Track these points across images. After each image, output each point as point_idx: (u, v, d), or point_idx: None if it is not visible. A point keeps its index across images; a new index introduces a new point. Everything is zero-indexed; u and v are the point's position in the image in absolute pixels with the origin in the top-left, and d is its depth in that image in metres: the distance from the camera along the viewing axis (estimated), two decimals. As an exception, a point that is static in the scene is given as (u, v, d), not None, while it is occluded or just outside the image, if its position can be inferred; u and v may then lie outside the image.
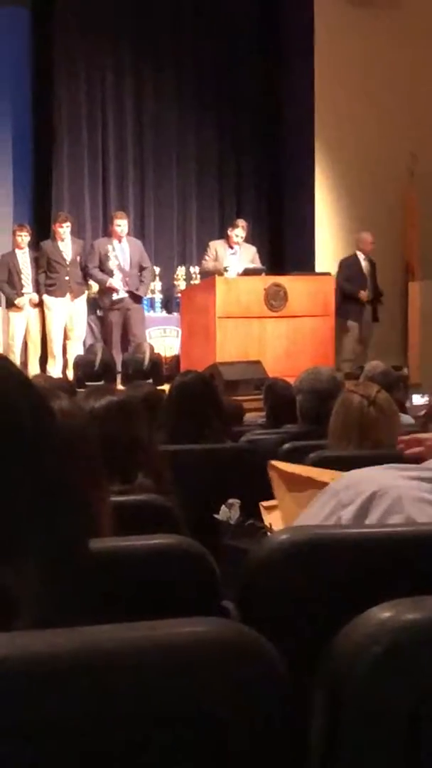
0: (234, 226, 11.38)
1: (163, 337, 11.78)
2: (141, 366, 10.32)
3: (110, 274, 11.09)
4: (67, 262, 11.09)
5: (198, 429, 4.06)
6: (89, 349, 10.73)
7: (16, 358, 10.27)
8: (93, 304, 11.52)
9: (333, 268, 11.72)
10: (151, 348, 10.78)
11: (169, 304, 12.22)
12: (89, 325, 11.43)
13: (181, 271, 12.39)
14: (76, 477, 0.90)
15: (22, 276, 11.08)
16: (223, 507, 3.26)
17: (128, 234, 11.44)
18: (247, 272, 10.94)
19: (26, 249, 11.17)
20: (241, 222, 11.46)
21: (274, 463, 2.96)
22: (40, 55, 12.18)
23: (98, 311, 11.53)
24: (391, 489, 1.97)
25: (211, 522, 3.21)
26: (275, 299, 10.60)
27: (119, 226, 11.26)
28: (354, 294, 11.67)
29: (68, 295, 11.09)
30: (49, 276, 11.09)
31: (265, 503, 3.19)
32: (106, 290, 11.17)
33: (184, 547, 1.68)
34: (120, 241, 11.26)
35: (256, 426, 5.83)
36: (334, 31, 12.05)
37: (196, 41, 12.74)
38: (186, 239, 12.83)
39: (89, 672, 0.76)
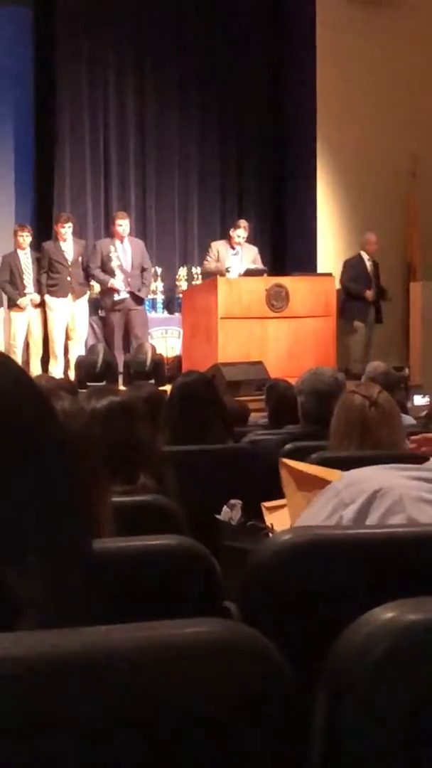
0: (236, 226, 11.39)
1: (164, 338, 11.78)
2: (143, 367, 10.32)
3: (112, 274, 11.09)
4: (69, 263, 11.08)
5: (200, 430, 4.05)
6: (91, 350, 10.73)
7: (17, 359, 10.26)
8: (95, 305, 11.52)
9: (335, 269, 11.72)
10: (153, 348, 10.78)
11: (170, 305, 12.22)
12: (91, 325, 11.42)
13: (182, 271, 12.38)
14: (78, 477, 0.90)
15: (24, 276, 11.08)
16: (224, 507, 3.26)
17: (130, 234, 11.44)
18: (248, 273, 10.94)
19: (28, 249, 11.17)
20: (242, 222, 11.46)
21: (285, 460, 2.96)
22: (42, 55, 12.17)
23: (100, 312, 11.53)
24: (392, 489, 1.98)
25: (213, 522, 3.21)
26: (277, 300, 10.60)
27: (120, 225, 11.25)
28: (360, 294, 11.68)
29: (70, 296, 11.09)
30: (51, 276, 11.08)
31: (266, 504, 3.19)
32: (107, 291, 11.17)
33: (185, 548, 1.68)
34: (122, 242, 11.26)
35: (257, 426, 5.83)
36: (337, 31, 12.05)
37: (199, 42, 12.74)
38: (188, 240, 12.82)
39: (91, 672, 0.76)
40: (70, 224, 11.16)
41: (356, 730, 0.90)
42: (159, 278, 12.02)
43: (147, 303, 11.65)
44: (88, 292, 11.37)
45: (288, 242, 12.93)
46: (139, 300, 11.29)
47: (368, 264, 11.87)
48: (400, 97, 12.19)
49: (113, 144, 12.45)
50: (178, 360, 11.28)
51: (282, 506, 3.09)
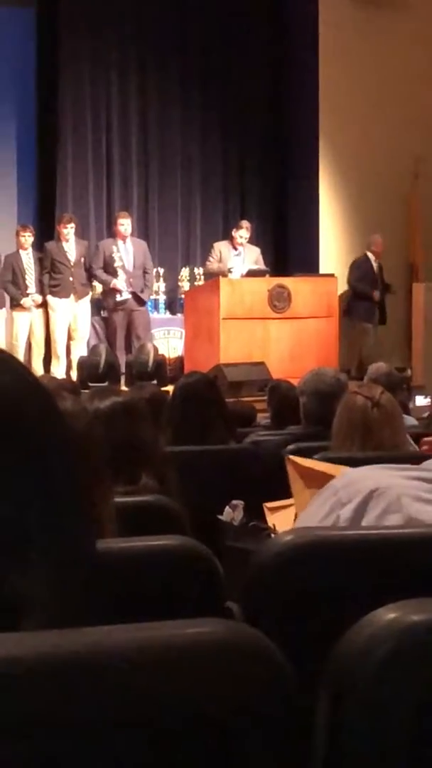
0: (238, 227, 11.39)
1: (166, 339, 11.78)
2: (145, 367, 10.32)
3: (114, 275, 11.10)
4: (71, 263, 11.08)
5: (202, 430, 4.06)
6: (93, 350, 10.73)
7: (19, 359, 10.24)
8: (97, 305, 11.52)
9: (337, 270, 11.73)
10: (155, 349, 10.78)
11: (173, 306, 12.21)
12: (93, 326, 11.42)
13: (185, 272, 12.38)
14: (81, 477, 0.90)
15: (26, 276, 11.08)
16: (226, 508, 3.26)
17: (132, 235, 11.44)
18: (251, 273, 10.94)
19: (30, 249, 11.17)
20: (245, 223, 11.47)
21: (292, 457, 2.96)
22: (45, 55, 12.17)
23: (102, 312, 11.53)
24: (390, 488, 1.98)
25: (215, 523, 3.21)
26: (279, 300, 10.60)
27: (122, 225, 11.26)
28: (367, 294, 11.70)
29: (72, 296, 11.09)
30: (53, 277, 11.09)
31: (268, 504, 3.20)
32: (110, 291, 11.17)
33: (188, 548, 1.68)
34: (124, 241, 11.27)
35: (259, 427, 5.83)
36: (340, 31, 12.04)
37: (201, 42, 12.73)
38: (190, 240, 12.82)
39: (93, 672, 0.76)
40: (72, 224, 11.16)
41: (359, 730, 0.90)
42: (161, 279, 12.01)
43: (149, 304, 11.65)
44: (91, 293, 11.37)
45: (290, 243, 12.93)
46: (141, 301, 11.29)
47: (374, 265, 11.89)
48: (402, 97, 12.19)
49: (115, 144, 12.45)
50: (180, 361, 11.28)
51: (284, 507, 3.10)
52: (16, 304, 11.11)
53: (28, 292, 11.07)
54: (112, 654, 0.77)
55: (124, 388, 8.44)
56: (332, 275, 11.43)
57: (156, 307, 11.97)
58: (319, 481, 2.62)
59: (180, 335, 11.64)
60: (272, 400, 6.01)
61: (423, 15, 12.36)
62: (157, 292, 11.94)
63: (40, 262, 11.11)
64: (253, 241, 11.54)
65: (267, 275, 11.04)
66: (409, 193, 12.53)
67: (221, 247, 11.32)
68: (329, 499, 2.06)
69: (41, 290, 11.10)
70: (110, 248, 11.18)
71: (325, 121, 12.19)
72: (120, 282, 11.08)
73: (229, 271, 10.99)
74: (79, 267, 11.13)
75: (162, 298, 12.06)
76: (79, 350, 11.08)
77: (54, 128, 12.12)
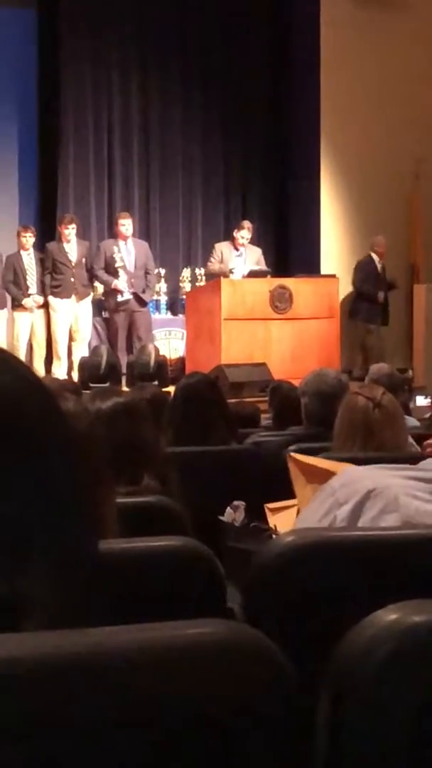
0: (239, 227, 11.39)
1: (168, 339, 11.78)
2: (147, 368, 10.32)
3: (115, 275, 11.10)
4: (73, 264, 11.09)
5: (203, 431, 4.06)
6: (94, 351, 10.73)
7: (20, 358, 10.25)
8: (98, 306, 11.52)
9: (338, 270, 11.73)
10: (157, 350, 10.78)
11: (174, 306, 12.22)
12: (94, 326, 11.42)
13: (186, 272, 12.38)
14: (83, 477, 0.90)
15: (27, 277, 11.09)
16: (228, 509, 3.26)
17: (133, 235, 11.44)
18: (252, 274, 10.94)
19: (31, 250, 11.18)
20: (246, 224, 11.47)
21: (294, 454, 2.96)
22: (46, 56, 12.17)
23: (103, 313, 11.53)
24: (387, 488, 1.98)
25: (216, 524, 3.21)
26: (280, 301, 10.60)
27: (123, 225, 11.26)
28: (373, 295, 11.71)
29: (73, 297, 11.10)
30: (55, 277, 11.09)
31: (270, 505, 3.20)
32: (111, 292, 11.18)
33: (189, 549, 1.68)
34: (125, 242, 11.27)
35: (261, 428, 5.83)
36: (341, 32, 12.05)
37: (202, 42, 12.74)
38: (191, 241, 12.82)
39: (94, 673, 0.76)
40: (73, 225, 11.16)
41: (359, 731, 0.90)
42: (162, 279, 12.02)
43: (151, 304, 11.65)
44: (92, 294, 11.38)
45: (291, 243, 12.93)
46: (142, 301, 11.29)
47: (378, 266, 11.91)
48: (404, 97, 12.19)
49: (117, 144, 12.45)
50: (181, 361, 11.28)
51: (285, 507, 3.10)
52: (17, 305, 11.12)
53: (29, 292, 11.07)
54: (114, 655, 0.77)
55: (125, 388, 8.44)
56: (334, 276, 11.43)
57: (157, 307, 11.98)
58: (320, 477, 2.63)
59: (181, 336, 11.65)
60: (273, 400, 6.01)
61: (424, 15, 12.36)
62: (158, 293, 11.94)
63: (42, 263, 11.12)
64: (254, 241, 11.55)
65: (268, 276, 11.04)
66: (410, 193, 12.53)
67: (222, 247, 11.32)
68: (327, 500, 2.06)
69: (42, 291, 11.10)
70: (111, 249, 11.18)
71: (327, 122, 12.20)
72: (121, 283, 11.08)
73: (231, 271, 10.99)
74: (80, 268, 11.14)
75: (163, 298, 12.07)
76: (81, 351, 11.08)
77: (55, 129, 12.13)
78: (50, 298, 11.09)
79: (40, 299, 11.08)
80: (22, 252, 11.13)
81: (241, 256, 11.23)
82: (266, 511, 3.19)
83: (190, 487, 2.72)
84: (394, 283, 12.00)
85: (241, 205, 13.01)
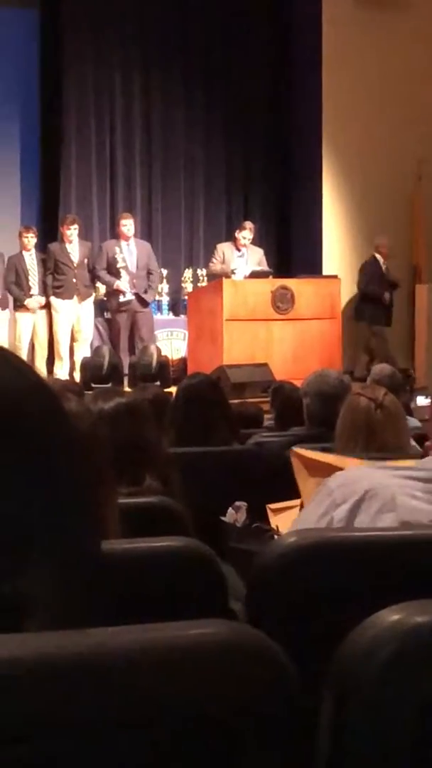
0: (241, 228, 11.39)
1: (170, 340, 11.78)
2: (149, 369, 10.32)
3: (117, 276, 11.10)
4: (75, 265, 11.09)
5: (205, 431, 4.06)
6: (96, 352, 10.74)
7: (22, 358, 10.24)
8: (100, 307, 11.53)
9: (340, 271, 11.73)
10: (158, 350, 10.79)
11: (176, 307, 12.22)
12: (96, 327, 11.43)
13: (188, 273, 12.38)
14: (85, 477, 0.90)
15: (29, 277, 11.09)
16: (229, 509, 3.26)
17: (135, 236, 11.44)
18: (254, 275, 10.94)
19: (32, 250, 11.18)
20: (248, 224, 11.47)
21: (296, 449, 2.96)
22: (48, 56, 12.18)
23: (105, 313, 11.53)
24: (384, 488, 1.98)
25: (218, 524, 3.21)
26: (282, 302, 10.60)
27: (125, 226, 11.27)
28: (379, 296, 11.71)
29: (75, 298, 11.10)
30: (57, 278, 11.09)
31: (271, 506, 3.20)
32: (113, 292, 11.18)
33: (191, 549, 1.68)
34: (127, 242, 11.27)
35: (263, 429, 5.82)
36: (343, 33, 12.05)
37: (204, 42, 12.75)
38: (193, 241, 12.83)
39: (96, 673, 0.76)
40: (76, 226, 11.17)
41: (362, 731, 0.90)
42: (164, 280, 12.02)
43: (152, 305, 11.65)
44: (94, 294, 11.38)
45: (293, 244, 12.93)
46: (144, 302, 11.29)
47: (383, 267, 11.91)
48: (406, 97, 12.19)
49: (119, 145, 12.46)
50: (183, 362, 11.28)
51: (287, 508, 3.10)
52: (19, 305, 11.12)
53: (31, 293, 11.08)
54: (116, 655, 0.77)
55: (127, 389, 8.44)
56: (335, 277, 11.43)
57: (159, 308, 11.98)
58: (323, 471, 2.62)
59: (183, 336, 11.65)
60: (275, 401, 6.01)
61: (425, 14, 12.36)
62: (160, 294, 11.94)
63: (44, 264, 11.12)
64: (256, 242, 11.55)
65: (270, 276, 11.04)
66: (412, 194, 12.53)
67: (224, 248, 11.32)
68: (324, 500, 2.06)
69: (44, 291, 11.11)
70: (113, 249, 11.19)
71: (328, 122, 12.20)
72: (123, 283, 11.08)
73: (232, 272, 10.99)
74: (82, 268, 11.14)
75: (165, 299, 12.07)
76: (82, 352, 11.08)
77: (57, 129, 12.14)
78: (52, 299, 11.09)
79: (42, 300, 11.09)
80: (24, 252, 11.14)
81: (242, 256, 11.23)
82: (268, 511, 3.19)
83: (192, 487, 2.72)
84: (397, 283, 12.01)
85: (243, 205, 13.01)
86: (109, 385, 9.22)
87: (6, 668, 0.74)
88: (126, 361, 10.81)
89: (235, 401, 6.32)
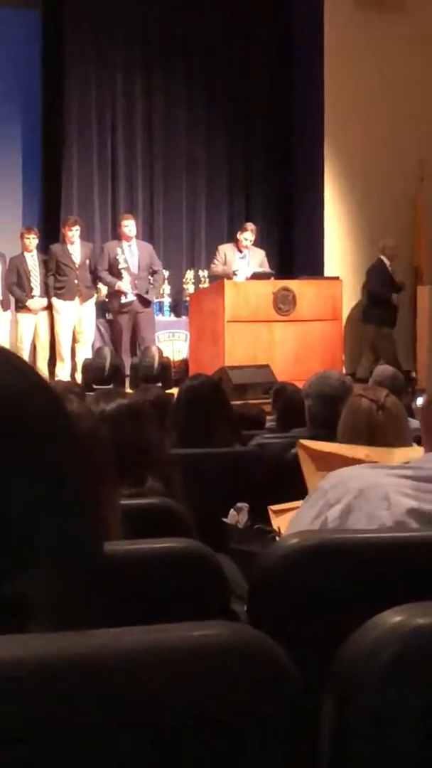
0: (243, 229, 11.39)
1: (171, 341, 11.78)
2: (151, 370, 10.32)
3: (119, 277, 11.10)
4: (76, 266, 11.09)
5: (207, 433, 4.06)
6: (98, 353, 10.74)
7: (24, 358, 10.24)
8: (102, 308, 11.53)
9: (342, 273, 11.73)
10: (160, 351, 10.79)
11: (177, 308, 12.22)
12: (98, 328, 11.43)
13: (189, 274, 12.38)
14: (88, 480, 0.90)
15: (31, 278, 11.10)
16: (231, 510, 3.26)
17: (137, 236, 11.45)
18: (255, 276, 10.93)
19: (34, 252, 11.18)
20: (250, 226, 11.46)
21: (303, 441, 2.96)
22: (50, 57, 12.18)
23: (107, 314, 11.54)
24: (378, 487, 1.98)
25: (220, 526, 3.21)
26: (284, 303, 10.60)
27: (126, 227, 11.27)
28: (389, 299, 11.72)
29: (77, 299, 11.10)
30: (58, 279, 11.09)
31: (273, 507, 3.20)
32: (114, 293, 11.18)
33: (193, 551, 1.68)
34: (129, 243, 11.27)
35: (264, 430, 5.83)
36: (344, 35, 12.05)
37: (206, 44, 12.75)
38: (195, 243, 12.83)
39: (99, 675, 0.76)
40: (77, 227, 11.17)
41: (364, 732, 0.90)
42: (166, 281, 12.02)
43: (154, 306, 11.65)
44: (95, 295, 11.38)
45: (295, 245, 12.93)
46: (146, 302, 11.29)
47: (390, 269, 11.92)
48: (407, 101, 12.18)
49: (121, 146, 12.46)
50: (185, 363, 11.28)
51: (289, 509, 3.10)
52: (21, 306, 11.12)
53: (32, 294, 11.08)
54: (118, 656, 0.77)
55: (128, 390, 8.44)
56: (337, 278, 11.42)
57: (161, 309, 11.98)
58: (331, 462, 2.62)
59: (185, 338, 11.65)
60: (277, 402, 6.01)
61: (427, 15, 12.35)
62: (162, 295, 11.94)
63: (45, 265, 11.12)
64: (258, 243, 11.54)
65: (272, 278, 11.03)
66: (414, 195, 12.53)
67: (226, 249, 11.32)
68: (318, 501, 2.06)
69: (46, 292, 11.11)
70: (115, 250, 11.19)
71: (330, 123, 12.20)
72: (124, 284, 11.08)
73: (234, 273, 10.99)
74: (84, 269, 11.14)
75: (167, 300, 12.07)
76: (84, 353, 11.08)
77: (59, 130, 12.14)
78: (54, 300, 11.09)
79: (44, 302, 11.09)
80: (25, 254, 11.14)
81: (244, 258, 11.23)
82: (270, 512, 3.19)
83: (194, 488, 2.72)
84: (403, 284, 12.01)
85: (245, 206, 13.01)
86: (111, 386, 9.23)
87: (8, 669, 0.74)
88: (127, 362, 10.81)
89: (237, 402, 6.32)
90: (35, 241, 11.18)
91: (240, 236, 11.30)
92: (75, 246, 11.14)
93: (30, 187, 12.15)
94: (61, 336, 11.09)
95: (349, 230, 12.38)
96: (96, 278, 11.29)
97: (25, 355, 10.75)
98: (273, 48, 12.89)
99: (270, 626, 1.54)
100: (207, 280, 12.03)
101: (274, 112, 12.94)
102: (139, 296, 11.15)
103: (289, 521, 2.95)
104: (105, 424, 2.31)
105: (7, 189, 11.87)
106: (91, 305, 11.26)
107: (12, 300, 11.18)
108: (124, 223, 11.32)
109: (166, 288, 12.04)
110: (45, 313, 11.15)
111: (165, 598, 1.58)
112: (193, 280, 12.30)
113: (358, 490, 1.99)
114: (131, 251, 11.25)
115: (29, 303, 11.04)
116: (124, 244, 11.25)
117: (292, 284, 10.82)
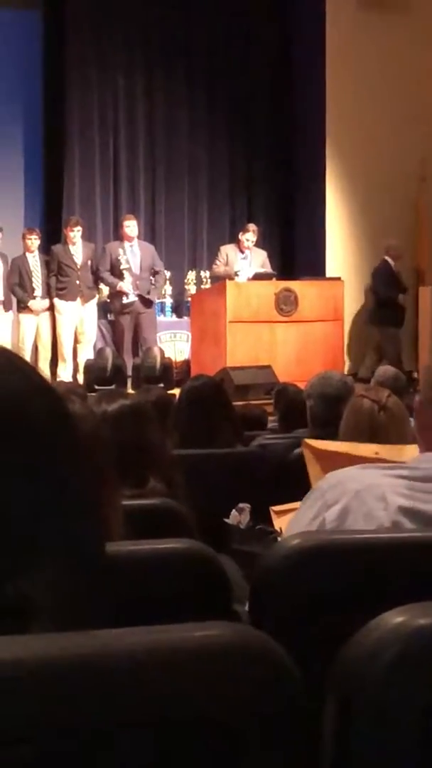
0: (245, 230, 11.39)
1: (173, 342, 11.78)
2: (153, 371, 10.32)
3: (121, 277, 11.10)
4: (78, 266, 11.09)
5: (208, 433, 4.05)
6: (99, 354, 10.74)
7: (26, 359, 10.24)
8: (104, 308, 11.53)
9: (343, 273, 11.72)
10: (162, 352, 10.79)
11: (179, 309, 12.22)
12: (100, 329, 11.43)
13: (191, 275, 12.39)
14: (90, 480, 0.90)
15: (33, 279, 11.10)
16: (233, 511, 3.26)
17: (139, 237, 11.45)
18: (257, 277, 10.93)
19: (36, 252, 11.19)
20: (251, 226, 11.46)
21: (308, 440, 2.96)
22: (52, 58, 12.19)
23: (109, 315, 11.54)
24: (376, 488, 1.98)
25: (222, 526, 3.21)
26: (286, 304, 10.60)
27: (128, 227, 11.27)
28: (395, 300, 11.72)
29: (79, 299, 11.10)
30: (60, 280, 11.10)
31: (275, 508, 3.20)
32: (116, 294, 11.18)
33: (195, 551, 1.68)
34: (131, 244, 11.27)
35: (266, 431, 5.83)
36: (346, 35, 12.04)
37: (207, 44, 12.75)
38: (197, 243, 12.83)
39: (101, 675, 0.76)
40: (79, 228, 11.17)
41: (366, 733, 0.90)
42: (168, 282, 12.02)
43: (156, 307, 11.65)
44: (97, 296, 11.38)
45: (297, 246, 12.93)
46: (148, 303, 11.29)
47: (395, 269, 11.92)
48: (409, 101, 12.18)
49: (122, 146, 12.47)
50: (186, 364, 11.28)
51: (291, 510, 3.10)
52: (23, 307, 11.13)
53: (34, 295, 11.09)
54: (120, 657, 0.77)
55: (130, 391, 8.44)
56: (339, 279, 11.42)
57: (163, 310, 11.98)
58: (337, 462, 2.62)
59: (186, 338, 11.65)
60: (279, 403, 6.01)
61: (428, 15, 12.35)
62: (163, 295, 11.94)
63: (47, 265, 11.13)
64: (259, 244, 11.54)
65: (274, 278, 11.03)
66: (415, 195, 12.52)
67: (228, 250, 11.32)
68: (316, 503, 2.06)
69: (48, 293, 11.11)
70: (117, 251, 11.19)
71: (332, 124, 12.20)
72: (126, 284, 11.08)
73: (236, 274, 10.99)
74: (85, 270, 11.14)
75: (168, 301, 12.07)
76: (86, 353, 11.09)
77: (61, 131, 12.14)
78: (56, 301, 11.10)
79: (46, 303, 11.10)
80: (27, 254, 11.14)
81: (246, 258, 11.22)
82: (272, 513, 3.19)
83: (196, 489, 2.72)
84: (407, 286, 12.01)
85: (247, 207, 13.01)
86: (113, 387, 9.23)
87: (9, 670, 0.74)
88: (129, 363, 10.81)
89: (239, 403, 6.32)
90: (37, 241, 11.18)
91: (242, 237, 11.30)
92: (77, 247, 11.14)
93: (32, 188, 12.15)
94: (62, 337, 11.09)
95: (350, 231, 12.38)
96: (98, 279, 11.29)
97: (27, 356, 10.74)
98: (274, 48, 12.89)
99: (272, 627, 1.53)
100: (209, 280, 12.03)
101: (276, 113, 12.94)
102: (140, 297, 11.15)
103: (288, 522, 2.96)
104: (107, 425, 2.31)
105: (9, 190, 11.88)
106: (92, 306, 11.26)
107: (14, 301, 11.18)
108: (126, 223, 11.32)
109: (168, 288, 12.04)
110: (47, 314, 11.16)
111: (167, 599, 1.58)
112: (194, 281, 12.30)
113: (355, 491, 1.99)
114: (133, 252, 11.25)
115: (31, 304, 11.04)
116: (126, 244, 11.25)
117: (293, 285, 10.81)
